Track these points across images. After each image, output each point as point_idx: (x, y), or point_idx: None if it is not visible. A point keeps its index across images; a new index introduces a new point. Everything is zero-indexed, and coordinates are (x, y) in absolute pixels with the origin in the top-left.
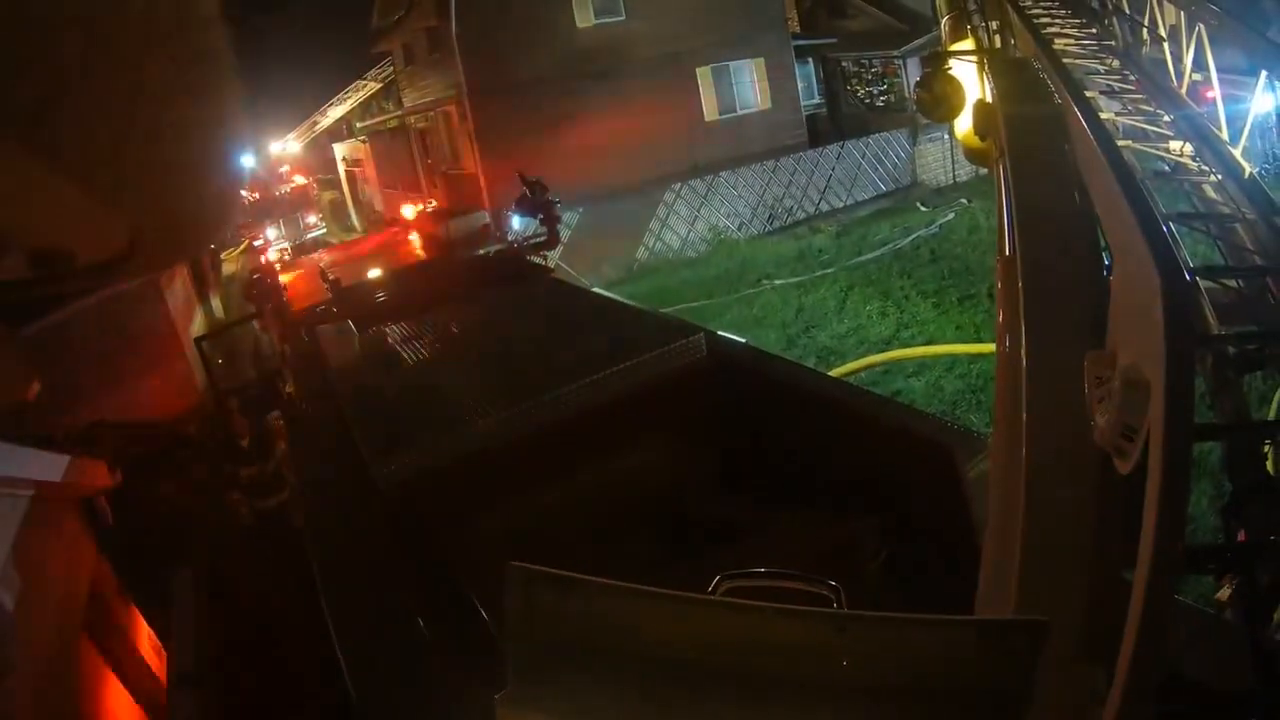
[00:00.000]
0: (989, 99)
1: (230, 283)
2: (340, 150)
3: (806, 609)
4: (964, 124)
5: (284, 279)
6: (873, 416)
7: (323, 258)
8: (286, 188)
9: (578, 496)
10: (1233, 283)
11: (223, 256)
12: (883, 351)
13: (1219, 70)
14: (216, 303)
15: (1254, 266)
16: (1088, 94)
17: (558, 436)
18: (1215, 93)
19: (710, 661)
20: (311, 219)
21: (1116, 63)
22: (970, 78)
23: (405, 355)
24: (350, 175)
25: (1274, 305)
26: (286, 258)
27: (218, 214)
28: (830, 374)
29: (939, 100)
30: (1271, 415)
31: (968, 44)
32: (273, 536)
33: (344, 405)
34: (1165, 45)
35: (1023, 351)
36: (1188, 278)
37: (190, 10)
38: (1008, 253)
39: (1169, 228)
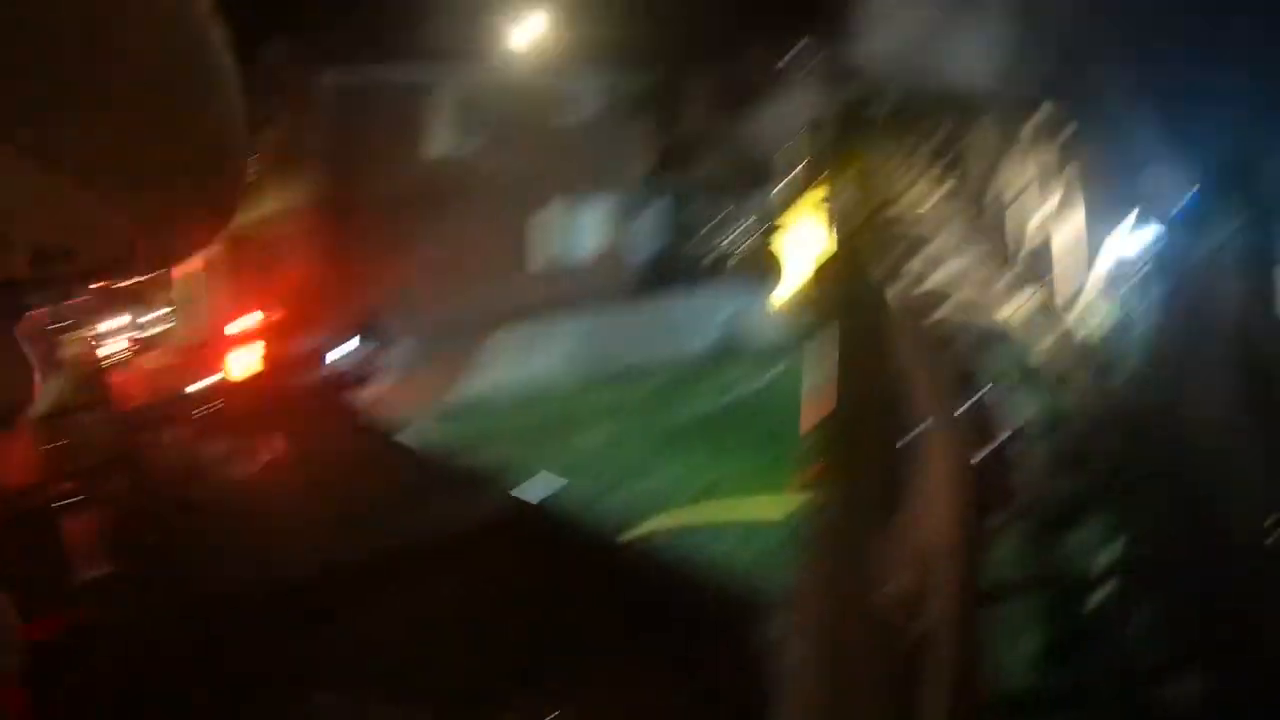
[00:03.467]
0: (818, 265)
1: (73, 365)
2: None
3: None
4: (791, 287)
5: (126, 370)
6: (682, 573)
7: (164, 354)
8: None
9: (386, 635)
10: (1063, 440)
11: (64, 338)
12: (696, 507)
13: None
14: (58, 384)
15: (1089, 423)
16: (928, 254)
17: (373, 571)
18: (1069, 246)
19: None
20: (161, 310)
21: (967, 220)
22: (803, 243)
23: (235, 469)
24: (200, 271)
25: (1107, 461)
26: (128, 350)
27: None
28: (642, 529)
29: (770, 264)
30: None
31: (809, 208)
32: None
33: (169, 511)
34: (1022, 201)
35: (824, 512)
36: (989, 447)
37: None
38: (819, 415)
39: (1001, 387)
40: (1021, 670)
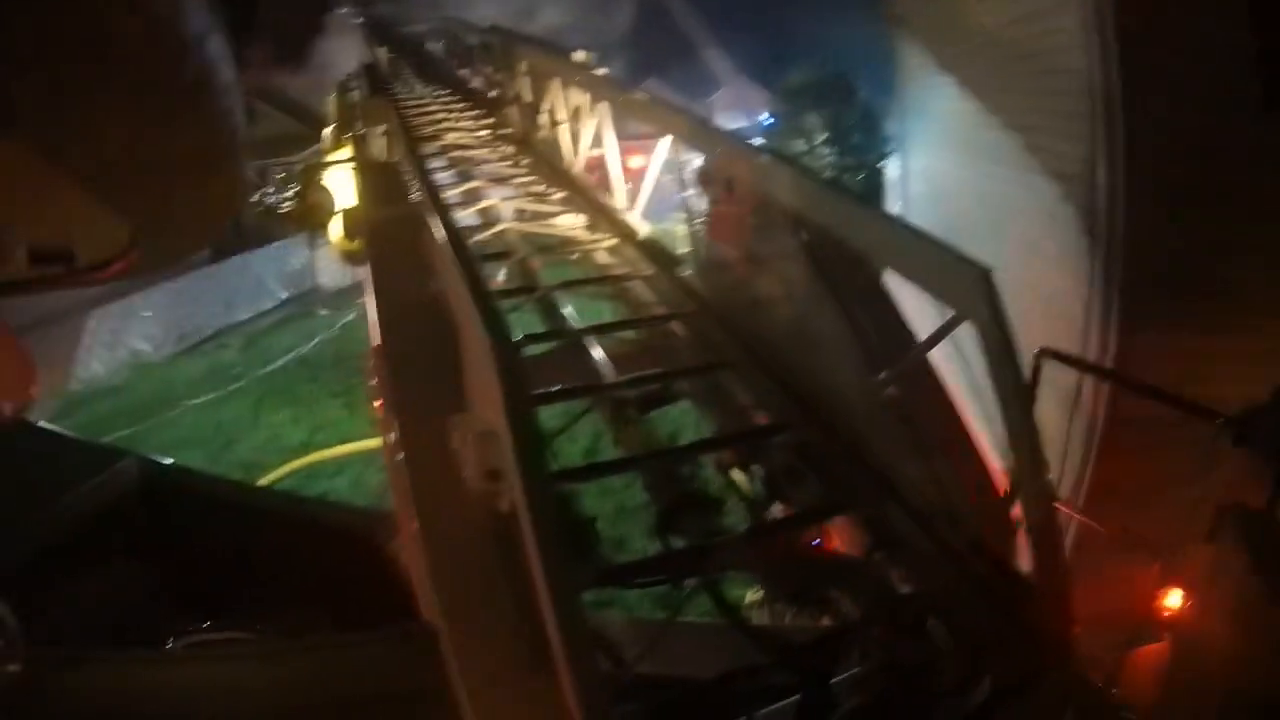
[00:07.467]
0: (358, 200)
1: None
2: None
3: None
4: (335, 230)
5: None
6: (304, 516)
7: None
8: None
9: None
10: (632, 334)
11: None
12: (302, 456)
13: (631, 138)
14: None
15: (653, 317)
16: (475, 184)
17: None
18: (614, 164)
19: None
20: None
21: (511, 149)
22: (342, 185)
23: None
24: None
25: (679, 348)
26: None
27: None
28: (264, 480)
29: (310, 211)
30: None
31: (346, 152)
32: None
33: None
34: (566, 126)
35: (395, 430)
36: (513, 340)
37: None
38: (374, 344)
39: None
40: (633, 537)
